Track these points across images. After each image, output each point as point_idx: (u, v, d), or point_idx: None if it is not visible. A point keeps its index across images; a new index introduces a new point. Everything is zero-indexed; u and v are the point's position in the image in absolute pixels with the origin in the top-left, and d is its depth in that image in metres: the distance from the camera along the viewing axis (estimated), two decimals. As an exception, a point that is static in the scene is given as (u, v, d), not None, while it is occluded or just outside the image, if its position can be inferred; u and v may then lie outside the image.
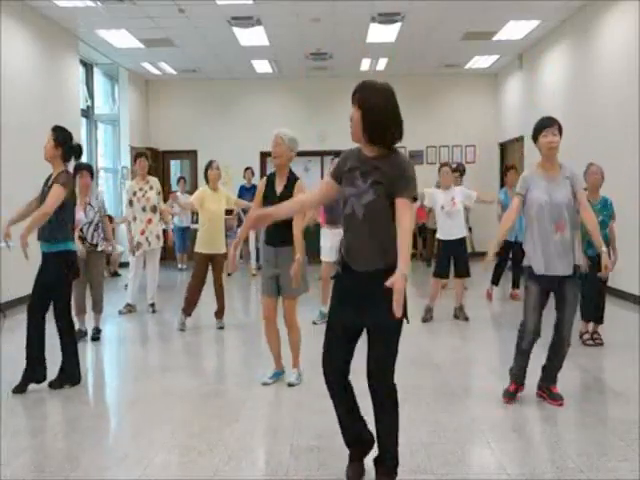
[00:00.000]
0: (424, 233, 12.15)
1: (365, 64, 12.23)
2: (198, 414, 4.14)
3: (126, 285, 8.03)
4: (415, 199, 2.83)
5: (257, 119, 12.85)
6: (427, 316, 6.92)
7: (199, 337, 6.46)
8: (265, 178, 4.70)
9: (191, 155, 13.66)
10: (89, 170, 6.21)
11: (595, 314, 5.76)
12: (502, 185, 10.88)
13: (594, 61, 8.77)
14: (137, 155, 7.56)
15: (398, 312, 2.58)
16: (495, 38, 10.55)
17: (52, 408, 4.39)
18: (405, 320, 2.85)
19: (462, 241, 6.95)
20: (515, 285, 8.27)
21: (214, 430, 3.79)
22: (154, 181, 7.50)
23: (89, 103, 11.47)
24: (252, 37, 10.14)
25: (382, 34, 10.14)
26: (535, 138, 4.10)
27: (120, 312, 7.46)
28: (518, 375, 4.25)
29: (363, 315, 2.87)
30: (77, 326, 6.08)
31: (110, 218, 7.24)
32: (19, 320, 6.19)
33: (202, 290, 6.63)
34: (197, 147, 13.48)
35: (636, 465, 3.22)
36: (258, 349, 5.69)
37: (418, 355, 5.49)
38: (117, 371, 5.60)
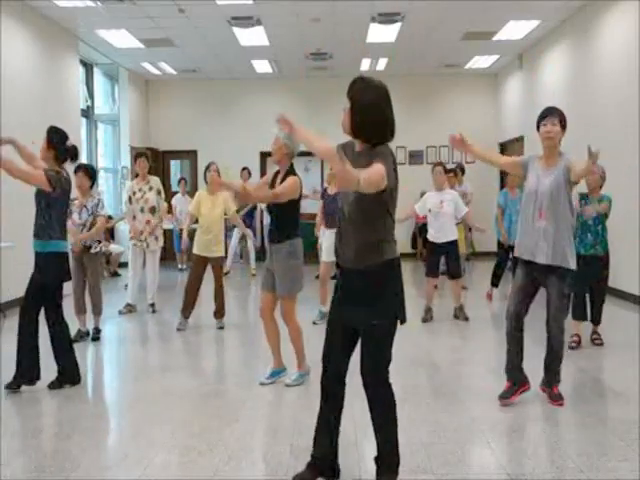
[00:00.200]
0: (424, 233, 12.13)
1: (365, 64, 12.22)
2: (198, 414, 4.14)
3: (126, 285, 8.03)
4: (395, 170, 2.79)
5: (257, 119, 12.83)
6: (427, 316, 6.92)
7: (199, 337, 6.46)
8: (274, 172, 4.74)
9: (191, 155, 13.67)
10: (86, 171, 6.06)
11: (585, 315, 5.69)
12: (502, 186, 10.88)
13: (594, 61, 8.77)
14: (137, 155, 7.57)
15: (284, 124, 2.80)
16: (495, 38, 10.55)
17: (52, 408, 4.39)
18: (399, 321, 2.85)
19: (451, 243, 6.87)
20: None
21: (214, 430, 3.79)
22: (154, 181, 7.49)
23: (89, 103, 11.47)
24: (252, 37, 10.14)
25: (382, 34, 10.14)
26: (538, 128, 4.12)
27: (120, 312, 7.46)
28: (511, 372, 4.20)
29: (354, 315, 2.88)
30: (77, 326, 6.11)
31: (107, 219, 7.15)
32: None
33: (199, 291, 6.63)
34: (197, 147, 13.48)
35: (636, 465, 3.22)
36: (258, 349, 5.69)
37: (418, 355, 5.50)
38: (117, 371, 5.60)
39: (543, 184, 4.02)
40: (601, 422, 3.92)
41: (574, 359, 5.07)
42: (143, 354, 6.07)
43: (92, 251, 6.11)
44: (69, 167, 4.92)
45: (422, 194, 7.81)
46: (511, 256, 8.21)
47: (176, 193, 12.07)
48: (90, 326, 6.27)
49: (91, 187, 6.18)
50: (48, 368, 4.66)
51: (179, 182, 12.04)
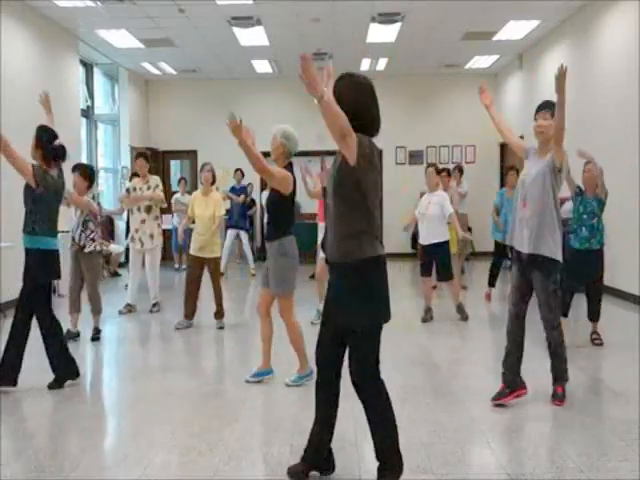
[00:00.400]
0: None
1: (365, 64, 12.22)
2: (198, 414, 4.14)
3: (126, 285, 8.04)
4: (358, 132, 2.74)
5: (257, 119, 12.78)
6: (427, 316, 6.92)
7: (199, 337, 6.46)
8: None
9: (191, 155, 13.67)
10: (82, 171, 6.02)
11: (566, 312, 5.66)
12: (502, 186, 10.87)
13: (594, 61, 8.78)
14: (136, 155, 7.60)
15: (310, 86, 2.56)
16: (495, 38, 10.55)
17: (52, 408, 4.38)
18: (377, 319, 2.85)
19: (440, 245, 6.81)
20: None
21: (214, 430, 3.79)
22: (154, 180, 7.48)
23: (89, 103, 11.47)
24: (252, 37, 10.14)
25: (382, 34, 10.14)
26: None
27: (120, 312, 7.46)
28: (506, 375, 4.16)
29: (337, 313, 2.91)
30: (68, 326, 6.05)
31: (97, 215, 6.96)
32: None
33: (198, 292, 6.63)
34: (197, 147, 13.48)
35: (636, 465, 3.22)
36: (258, 349, 5.65)
37: (418, 355, 5.49)
38: (117, 371, 5.60)
39: (530, 174, 4.09)
40: (601, 422, 3.92)
41: (574, 359, 5.07)
42: (143, 354, 6.07)
43: (86, 250, 6.03)
44: (67, 167, 4.90)
45: (422, 194, 7.82)
46: (510, 256, 8.23)
47: (176, 193, 12.07)
48: (81, 327, 6.23)
49: (89, 187, 6.14)
50: (48, 369, 4.66)
51: (179, 182, 12.02)
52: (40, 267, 4.56)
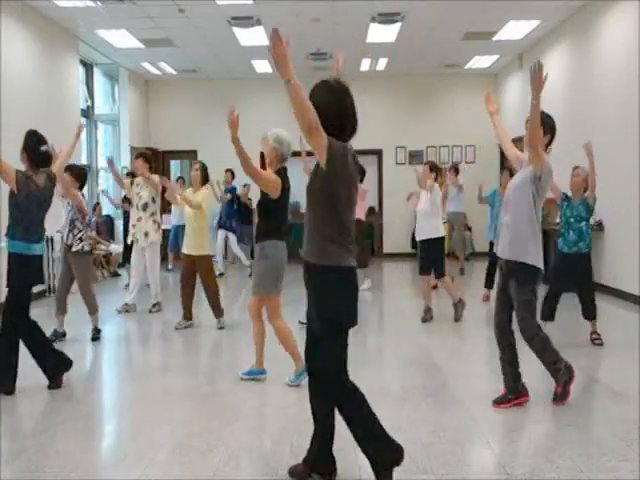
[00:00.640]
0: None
1: (365, 64, 12.22)
2: (198, 414, 4.14)
3: (126, 285, 8.04)
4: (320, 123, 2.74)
5: (257, 119, 12.82)
6: (426, 316, 6.91)
7: (199, 337, 6.46)
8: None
9: (191, 155, 13.65)
10: (71, 172, 5.92)
11: (552, 316, 5.69)
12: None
13: (594, 61, 8.77)
14: (137, 155, 7.60)
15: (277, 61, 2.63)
16: (495, 38, 10.55)
17: (52, 408, 4.38)
18: (334, 320, 2.84)
19: (430, 242, 6.79)
20: None
21: (214, 430, 3.79)
22: (153, 178, 7.47)
23: (89, 103, 11.47)
24: (252, 37, 10.14)
25: (382, 34, 10.14)
26: None
27: (118, 311, 7.46)
28: (507, 380, 4.16)
29: (308, 311, 2.98)
30: (54, 326, 6.05)
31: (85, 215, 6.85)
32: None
33: (194, 290, 6.62)
34: (197, 147, 13.47)
35: (636, 465, 3.22)
36: (258, 349, 5.69)
37: (418, 355, 5.50)
38: (117, 371, 5.59)
39: (514, 181, 4.12)
40: (601, 422, 3.93)
41: (574, 359, 5.06)
42: (143, 354, 6.07)
43: (73, 249, 5.97)
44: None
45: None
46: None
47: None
48: (81, 327, 6.22)
49: (80, 188, 6.10)
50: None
51: (177, 181, 12.01)
52: (17, 271, 4.50)
